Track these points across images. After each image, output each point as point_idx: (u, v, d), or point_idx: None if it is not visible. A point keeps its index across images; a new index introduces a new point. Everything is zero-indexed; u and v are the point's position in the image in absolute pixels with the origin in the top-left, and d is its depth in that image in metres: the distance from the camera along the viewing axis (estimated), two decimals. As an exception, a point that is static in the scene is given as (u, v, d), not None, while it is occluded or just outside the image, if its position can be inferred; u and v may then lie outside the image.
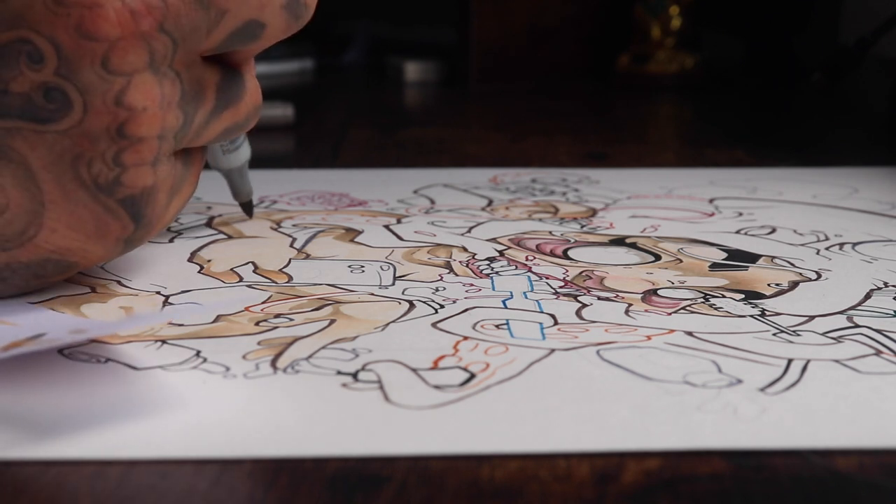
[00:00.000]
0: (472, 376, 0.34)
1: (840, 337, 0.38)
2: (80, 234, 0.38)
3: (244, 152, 0.52)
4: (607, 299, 0.42)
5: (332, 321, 0.39)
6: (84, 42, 0.35)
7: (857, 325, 0.39)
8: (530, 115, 0.97)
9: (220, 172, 0.52)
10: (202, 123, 0.39)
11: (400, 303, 0.42)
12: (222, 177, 0.53)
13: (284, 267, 0.46)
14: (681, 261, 0.48)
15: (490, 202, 0.60)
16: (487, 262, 0.47)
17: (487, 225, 0.55)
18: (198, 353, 0.36)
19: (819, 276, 0.46)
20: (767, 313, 0.41)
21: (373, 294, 0.43)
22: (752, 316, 0.40)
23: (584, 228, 0.54)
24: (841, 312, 0.41)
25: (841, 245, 0.51)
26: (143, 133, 0.36)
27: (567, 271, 0.46)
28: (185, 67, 0.37)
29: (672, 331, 0.39)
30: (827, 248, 0.50)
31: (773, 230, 0.53)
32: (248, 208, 0.54)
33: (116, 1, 0.35)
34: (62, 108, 0.36)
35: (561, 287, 0.44)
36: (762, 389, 0.33)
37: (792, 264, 0.47)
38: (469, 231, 0.53)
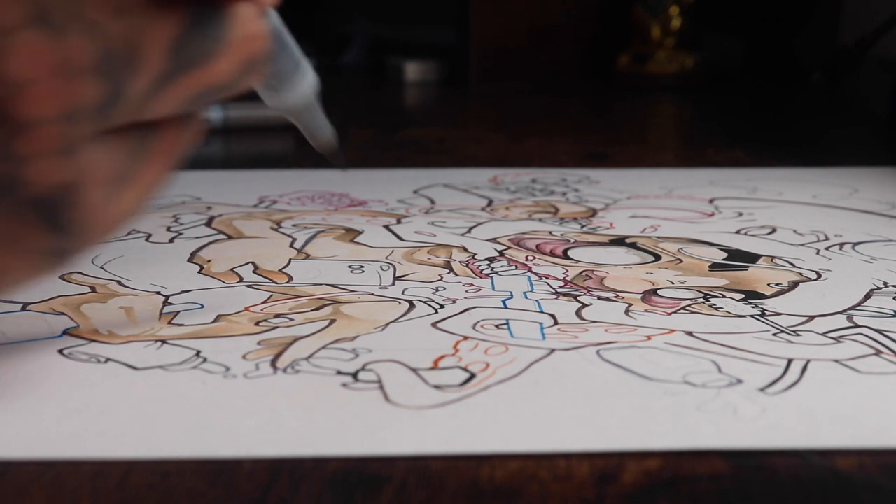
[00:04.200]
0: (472, 376, 0.34)
1: (840, 337, 0.38)
2: None
3: (304, 86, 0.38)
4: (607, 299, 0.42)
5: (332, 321, 0.39)
6: None
7: (857, 325, 0.39)
8: (530, 115, 0.97)
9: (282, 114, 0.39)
10: (147, 91, 0.28)
11: (400, 303, 0.42)
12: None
13: (284, 267, 0.46)
14: (681, 261, 0.48)
15: (490, 202, 0.60)
16: (487, 262, 0.47)
17: (487, 225, 0.54)
18: (198, 353, 0.36)
19: (819, 276, 0.46)
20: (767, 313, 0.41)
21: (373, 294, 0.43)
22: (752, 316, 0.40)
23: (584, 228, 0.54)
24: (841, 312, 0.41)
25: (841, 245, 0.51)
26: (35, 114, 0.26)
27: (567, 271, 0.46)
28: (110, 14, 0.26)
29: (672, 331, 0.39)
30: (827, 248, 0.50)
31: (773, 230, 0.53)
32: (335, 156, 0.42)
33: None
34: None
35: (561, 287, 0.44)
36: (762, 389, 0.33)
37: (792, 264, 0.47)
38: (469, 231, 0.53)
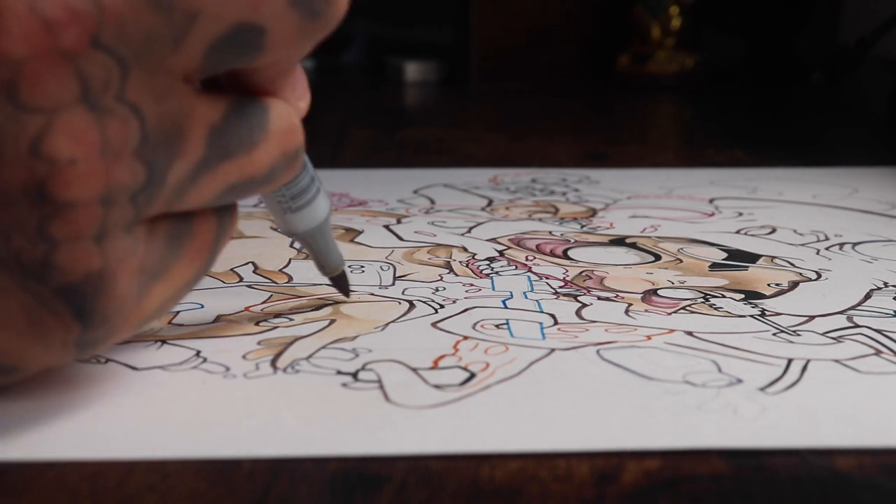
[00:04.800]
0: (472, 376, 0.34)
1: (840, 337, 0.38)
2: (10, 331, 0.28)
3: (319, 209, 0.37)
4: (607, 299, 0.42)
5: (332, 321, 0.39)
6: None
7: (857, 325, 0.39)
8: (530, 115, 0.97)
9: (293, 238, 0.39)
10: (185, 179, 0.28)
11: (400, 303, 0.42)
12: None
13: (284, 267, 0.46)
14: (681, 261, 0.48)
15: (490, 202, 0.60)
16: (487, 262, 0.47)
17: (487, 225, 0.55)
18: (198, 353, 0.36)
19: (819, 276, 0.46)
20: (767, 313, 0.41)
21: (373, 294, 0.43)
22: (752, 316, 0.40)
23: (584, 228, 0.54)
24: (841, 312, 0.41)
25: (841, 245, 0.51)
26: (74, 195, 0.25)
27: (567, 271, 0.46)
28: (152, 98, 0.26)
29: (672, 331, 0.39)
30: (827, 248, 0.50)
31: (773, 230, 0.53)
32: (341, 283, 0.41)
33: (21, 5, 0.24)
34: None
35: (561, 287, 0.44)
36: (762, 389, 0.33)
37: (792, 264, 0.47)
38: (469, 231, 0.53)
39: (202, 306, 0.41)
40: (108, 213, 0.26)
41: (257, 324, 0.39)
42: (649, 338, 0.38)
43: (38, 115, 0.25)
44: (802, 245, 0.51)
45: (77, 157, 0.25)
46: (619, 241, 0.51)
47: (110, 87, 0.25)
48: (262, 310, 0.41)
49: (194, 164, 0.28)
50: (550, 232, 0.53)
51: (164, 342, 0.37)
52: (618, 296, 0.43)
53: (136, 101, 0.26)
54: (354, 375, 0.34)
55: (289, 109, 0.30)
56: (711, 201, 0.60)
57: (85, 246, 0.26)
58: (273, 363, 0.35)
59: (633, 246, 0.50)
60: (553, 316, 0.40)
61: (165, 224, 0.29)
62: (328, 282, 0.40)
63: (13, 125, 0.25)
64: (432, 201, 0.60)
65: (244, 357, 0.36)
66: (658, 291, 0.43)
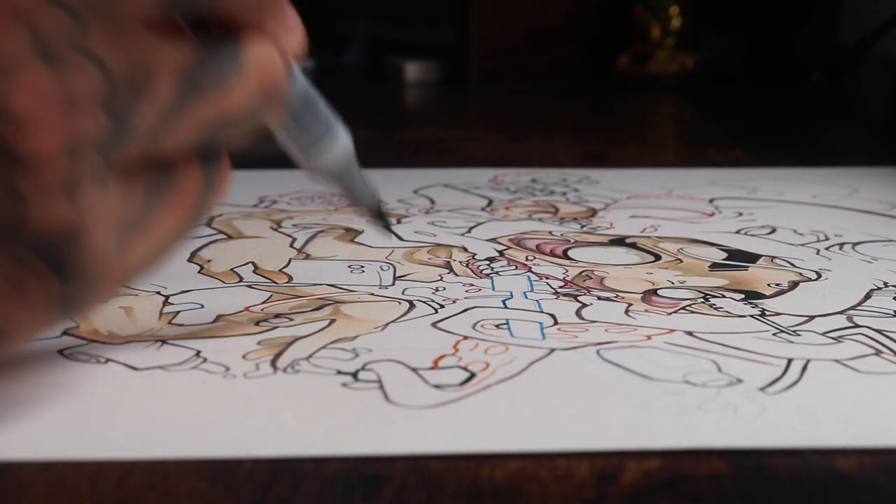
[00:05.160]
0: (473, 376, 0.34)
1: (840, 337, 0.38)
2: None
3: (340, 142, 0.35)
4: (607, 299, 0.42)
5: (332, 321, 0.39)
6: None
7: (857, 325, 0.39)
8: (530, 115, 0.97)
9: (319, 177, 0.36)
10: (157, 123, 0.27)
11: (400, 303, 0.42)
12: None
13: (284, 267, 0.46)
14: (681, 261, 0.48)
15: (490, 202, 0.60)
16: (487, 262, 0.47)
17: (487, 225, 0.54)
18: (198, 353, 0.36)
19: (819, 276, 0.46)
20: (767, 313, 0.41)
21: (373, 294, 0.43)
22: (752, 316, 0.40)
23: (584, 228, 0.54)
24: (841, 312, 0.41)
25: (841, 245, 0.51)
26: (37, 149, 0.25)
27: (567, 271, 0.46)
28: (113, 47, 0.26)
29: (672, 331, 0.39)
30: (827, 248, 0.50)
31: (773, 230, 0.53)
32: (379, 217, 0.39)
33: None
34: None
35: (561, 287, 0.44)
36: (762, 389, 0.33)
37: (792, 264, 0.47)
38: (469, 231, 0.53)
39: (202, 306, 0.41)
40: (75, 165, 0.26)
41: (257, 324, 0.39)
42: (649, 338, 0.38)
43: None
44: (802, 245, 0.51)
45: (37, 110, 0.25)
46: (619, 241, 0.51)
47: (66, 39, 0.25)
48: (262, 310, 0.41)
49: (166, 108, 0.27)
50: (550, 232, 0.53)
51: (164, 342, 0.37)
52: (618, 296, 0.43)
53: (95, 51, 0.26)
54: (354, 375, 0.34)
55: (268, 45, 0.29)
56: (711, 201, 0.60)
57: (55, 200, 0.26)
58: (273, 363, 0.35)
59: (633, 246, 0.50)
60: (553, 316, 0.40)
61: (143, 175, 0.28)
62: (328, 282, 0.40)
63: None
64: (432, 201, 0.60)
65: (244, 357, 0.36)
66: (658, 291, 0.43)
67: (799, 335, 0.38)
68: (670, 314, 0.40)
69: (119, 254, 0.28)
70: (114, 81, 0.26)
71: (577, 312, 0.41)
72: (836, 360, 0.36)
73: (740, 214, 0.57)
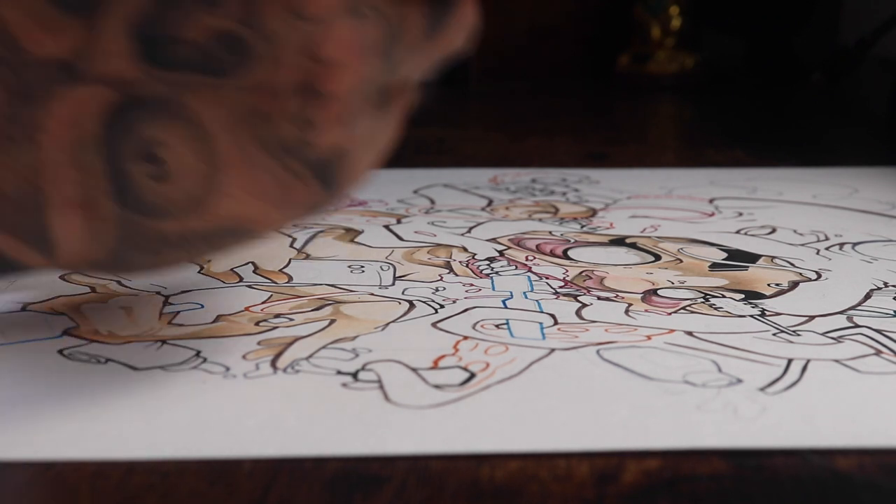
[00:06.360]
0: (473, 376, 0.34)
1: (840, 337, 0.38)
2: (262, 201, 0.32)
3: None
4: (607, 299, 0.42)
5: (332, 321, 0.39)
6: None
7: (857, 325, 0.39)
8: (530, 115, 0.97)
9: None
10: (402, 62, 0.33)
11: (400, 303, 0.42)
12: None
13: (284, 267, 0.46)
14: (681, 261, 0.48)
15: (490, 202, 0.60)
16: (487, 262, 0.47)
17: (487, 225, 0.54)
18: (198, 353, 0.36)
19: (819, 276, 0.46)
20: (767, 313, 0.41)
21: (373, 294, 0.43)
22: (752, 316, 0.40)
23: (584, 228, 0.54)
24: (841, 312, 0.41)
25: (841, 245, 0.51)
26: (338, 89, 0.31)
27: (567, 271, 0.46)
28: (390, 3, 0.32)
29: (672, 331, 0.39)
30: (827, 248, 0.50)
31: (773, 230, 0.53)
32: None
33: None
34: (243, 61, 0.30)
35: (561, 287, 0.44)
36: (762, 389, 0.33)
37: (792, 264, 0.47)
38: (469, 231, 0.53)
39: (202, 306, 0.41)
40: (356, 100, 0.32)
41: (257, 324, 0.39)
42: (649, 338, 0.38)
43: (315, 23, 0.30)
44: (802, 245, 0.51)
45: (344, 57, 0.30)
46: (619, 241, 0.51)
47: None
48: (262, 310, 0.41)
49: (412, 46, 0.33)
50: (550, 232, 0.53)
51: (164, 342, 0.37)
52: (618, 296, 0.43)
53: (381, 6, 0.31)
54: (354, 375, 0.34)
55: (468, 4, 0.35)
56: (711, 201, 0.60)
57: (338, 128, 0.31)
58: (273, 363, 0.35)
59: (633, 246, 0.50)
60: (553, 316, 0.40)
61: (379, 101, 0.34)
62: (328, 282, 0.40)
63: (292, 32, 0.30)
64: (432, 201, 0.60)
65: (244, 357, 0.36)
66: (658, 291, 0.43)
67: (799, 335, 0.38)
68: (670, 314, 0.40)
69: (359, 168, 0.34)
70: (388, 32, 0.32)
71: (577, 312, 0.41)
72: (836, 361, 0.36)
73: (740, 214, 0.57)
